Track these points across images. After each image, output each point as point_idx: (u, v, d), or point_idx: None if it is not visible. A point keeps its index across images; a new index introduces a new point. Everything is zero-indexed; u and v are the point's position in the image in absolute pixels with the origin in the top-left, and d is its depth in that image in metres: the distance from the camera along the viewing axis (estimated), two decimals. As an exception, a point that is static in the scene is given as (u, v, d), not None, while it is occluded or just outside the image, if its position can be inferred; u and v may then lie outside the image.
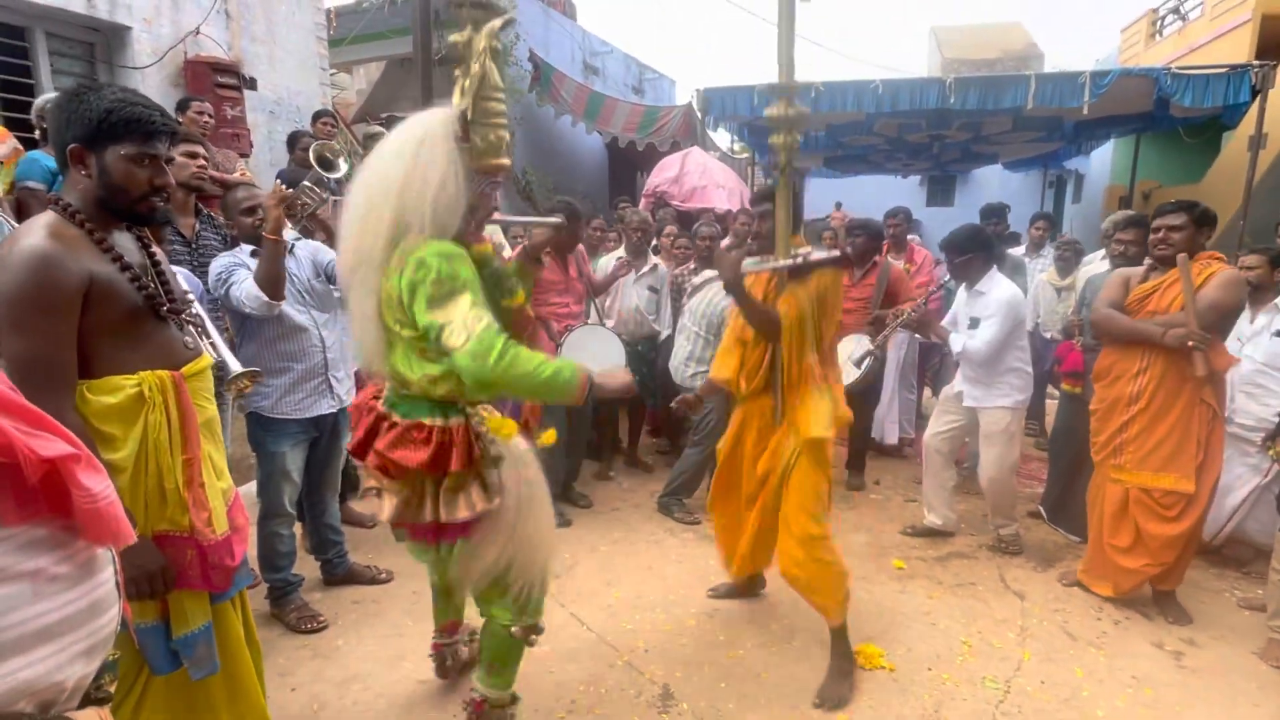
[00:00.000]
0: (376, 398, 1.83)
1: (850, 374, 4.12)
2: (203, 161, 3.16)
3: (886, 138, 9.58)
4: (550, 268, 3.94)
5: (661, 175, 8.44)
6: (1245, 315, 3.39)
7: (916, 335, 4.29)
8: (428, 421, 1.71)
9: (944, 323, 3.76)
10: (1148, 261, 3.09)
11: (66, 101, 1.49)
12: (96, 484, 0.71)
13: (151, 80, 5.08)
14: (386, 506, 1.75)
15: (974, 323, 3.51)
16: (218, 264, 2.65)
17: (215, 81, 5.26)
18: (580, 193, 10.46)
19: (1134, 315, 3.00)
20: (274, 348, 2.71)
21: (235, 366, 2.33)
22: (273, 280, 2.50)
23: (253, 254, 2.65)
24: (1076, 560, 3.39)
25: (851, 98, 7.27)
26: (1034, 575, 3.41)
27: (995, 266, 3.59)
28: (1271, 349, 3.31)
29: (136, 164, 1.52)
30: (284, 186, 2.66)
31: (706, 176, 8.30)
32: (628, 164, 12.17)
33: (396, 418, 1.74)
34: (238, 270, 2.60)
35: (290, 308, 2.69)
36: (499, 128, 1.70)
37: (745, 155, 11.68)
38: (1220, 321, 2.87)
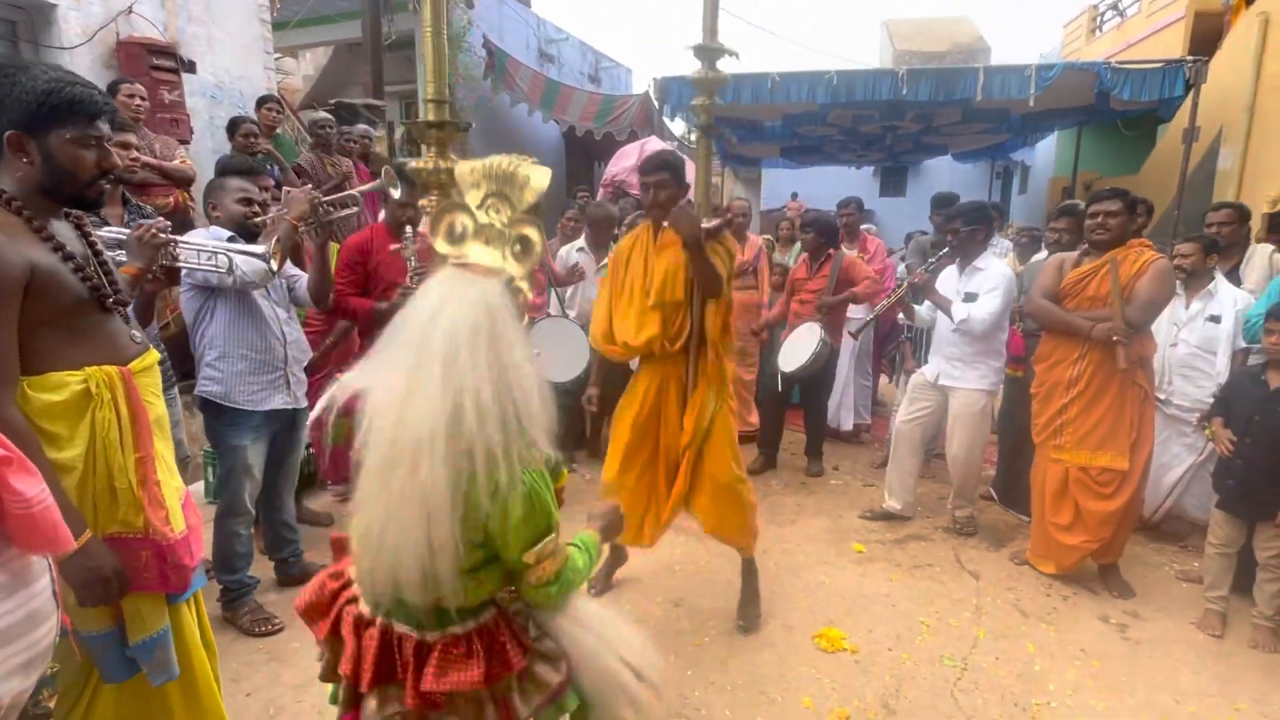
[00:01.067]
0: (349, 598, 1.43)
1: (796, 360, 4.19)
2: (134, 153, 3.02)
3: (841, 128, 9.72)
4: None
5: (620, 164, 8.39)
6: (1180, 301, 3.54)
7: (901, 317, 4.34)
8: (459, 630, 1.37)
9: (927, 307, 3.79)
10: (1083, 246, 3.22)
11: None
12: (29, 488, 0.66)
13: (81, 61, 4.81)
14: None
15: (969, 298, 3.55)
16: (196, 240, 2.56)
17: (151, 64, 5.00)
18: (537, 182, 10.34)
19: (1073, 299, 3.13)
20: (235, 330, 2.63)
21: (260, 248, 2.43)
22: (281, 256, 2.54)
23: (230, 239, 2.58)
24: (1027, 540, 3.50)
25: (807, 88, 7.35)
26: (987, 555, 3.52)
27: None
28: (1205, 333, 3.46)
29: (83, 146, 1.47)
30: (312, 189, 2.74)
31: (665, 166, 8.28)
32: (585, 153, 12.08)
33: (408, 631, 1.36)
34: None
35: (259, 295, 2.68)
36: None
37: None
38: (1155, 315, 3.06)
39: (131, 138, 3.04)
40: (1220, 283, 3.51)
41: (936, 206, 5.20)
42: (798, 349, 4.25)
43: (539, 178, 1.33)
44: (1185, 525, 3.69)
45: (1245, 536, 2.85)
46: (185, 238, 2.54)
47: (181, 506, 1.67)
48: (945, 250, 3.84)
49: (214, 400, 2.63)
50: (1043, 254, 4.57)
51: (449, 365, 1.24)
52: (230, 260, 2.40)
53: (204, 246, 2.38)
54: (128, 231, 2.03)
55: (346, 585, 1.46)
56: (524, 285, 1.35)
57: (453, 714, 1.39)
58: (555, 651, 1.49)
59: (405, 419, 1.26)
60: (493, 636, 1.40)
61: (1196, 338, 3.49)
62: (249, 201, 2.64)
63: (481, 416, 1.23)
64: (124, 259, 1.94)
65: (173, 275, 2.07)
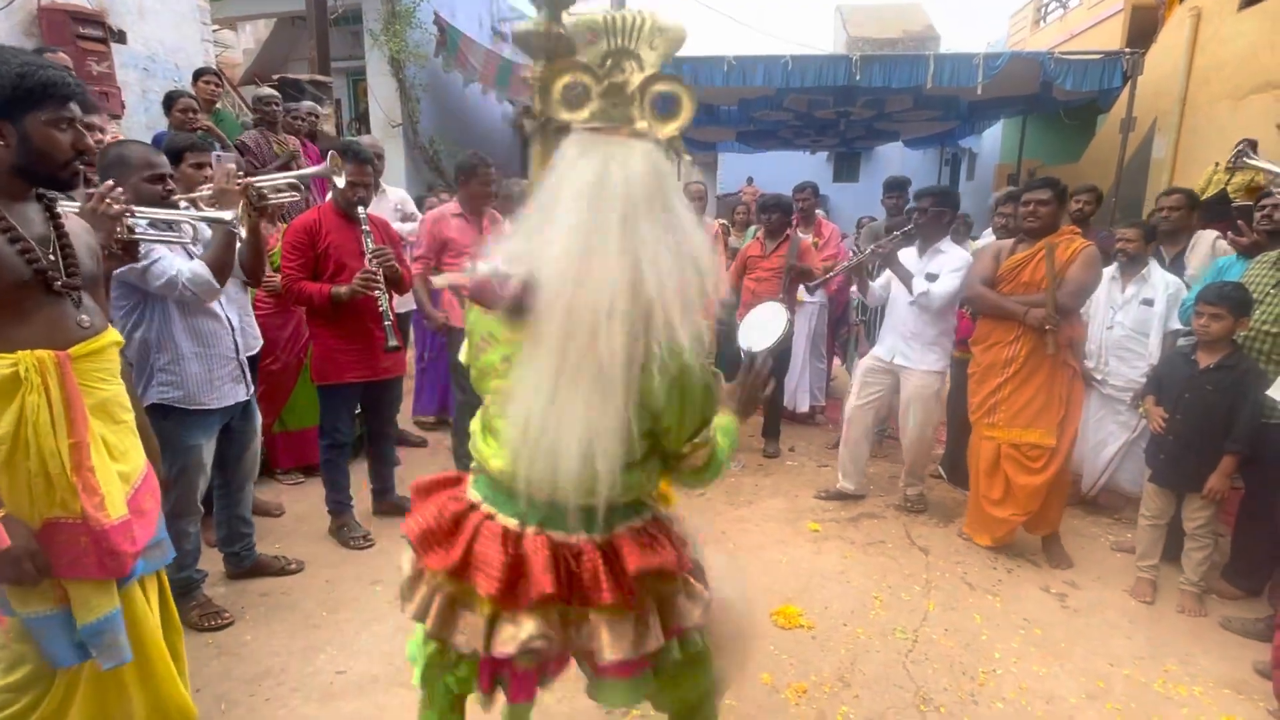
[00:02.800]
0: (484, 516, 1.35)
1: (764, 339, 4.23)
2: (99, 135, 2.84)
3: (796, 113, 9.80)
4: (460, 230, 3.75)
5: (575, 147, 8.29)
6: (1117, 284, 3.69)
7: (853, 290, 4.38)
8: (636, 523, 1.36)
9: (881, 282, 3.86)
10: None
11: None
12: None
13: (-2, 29, 4.51)
14: (613, 644, 1.29)
15: (930, 278, 3.60)
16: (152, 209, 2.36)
17: (76, 33, 4.72)
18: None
19: (1008, 284, 3.25)
20: (180, 327, 2.45)
21: (227, 214, 2.28)
22: (223, 267, 2.37)
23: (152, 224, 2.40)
24: (974, 515, 3.63)
25: (762, 72, 7.37)
26: (936, 531, 3.64)
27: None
28: (1140, 315, 3.62)
29: (58, 129, 1.50)
30: (241, 173, 2.48)
31: (621, 148, 8.23)
32: (540, 135, 11.89)
33: (577, 539, 1.30)
34: (155, 247, 2.31)
35: None
36: None
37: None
38: (1084, 301, 3.22)
39: (98, 119, 2.86)
40: (1153, 267, 3.66)
41: (889, 190, 5.28)
42: (764, 328, 4.28)
43: (674, 29, 1.19)
44: (1120, 499, 3.87)
45: (1175, 508, 3.01)
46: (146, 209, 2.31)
47: (135, 490, 1.64)
48: (909, 226, 3.88)
49: (176, 406, 2.46)
50: (990, 238, 4.70)
51: (626, 226, 1.14)
52: (195, 229, 2.23)
53: (162, 214, 2.19)
54: (77, 205, 1.90)
55: (473, 507, 1.37)
56: (680, 148, 1.24)
57: (624, 617, 1.31)
58: (700, 561, 1.48)
59: (584, 284, 1.14)
60: (662, 529, 1.39)
61: (1131, 320, 3.64)
62: (161, 178, 2.32)
63: (661, 281, 1.14)
64: None
65: (130, 250, 1.95)
